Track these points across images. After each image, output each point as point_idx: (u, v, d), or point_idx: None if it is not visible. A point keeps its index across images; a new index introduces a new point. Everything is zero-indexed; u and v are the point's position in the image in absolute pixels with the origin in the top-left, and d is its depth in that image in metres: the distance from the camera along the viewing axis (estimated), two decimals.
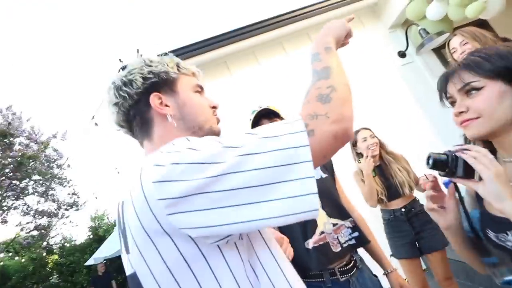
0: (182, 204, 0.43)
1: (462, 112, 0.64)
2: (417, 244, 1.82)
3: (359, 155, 1.96)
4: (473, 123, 0.63)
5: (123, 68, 0.69)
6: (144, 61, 0.64)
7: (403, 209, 1.83)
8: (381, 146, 1.95)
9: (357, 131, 1.98)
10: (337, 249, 1.07)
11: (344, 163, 2.33)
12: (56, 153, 6.77)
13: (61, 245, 7.08)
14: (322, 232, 1.08)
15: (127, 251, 0.54)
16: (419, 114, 3.27)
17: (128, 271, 0.55)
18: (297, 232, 1.08)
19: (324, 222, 1.09)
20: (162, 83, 0.63)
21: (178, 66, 0.66)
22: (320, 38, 0.61)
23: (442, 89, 0.71)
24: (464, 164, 0.58)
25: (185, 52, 2.95)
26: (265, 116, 1.28)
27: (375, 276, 1.17)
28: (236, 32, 3.08)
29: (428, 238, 1.79)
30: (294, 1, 3.25)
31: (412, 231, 1.81)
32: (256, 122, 1.28)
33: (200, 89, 0.68)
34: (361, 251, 1.22)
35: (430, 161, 0.62)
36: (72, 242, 7.54)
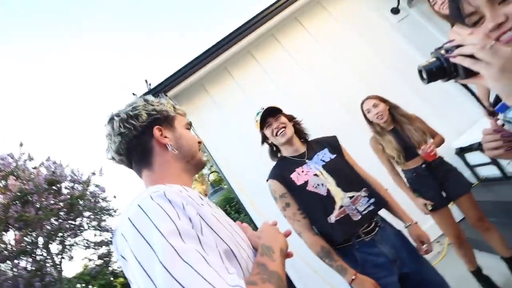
0: None
1: (500, 24, 0.49)
2: (443, 194, 1.88)
3: (371, 123, 2.01)
4: None
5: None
6: (146, 100, 0.78)
7: (423, 165, 1.89)
8: (392, 109, 1.96)
9: (362, 102, 2.02)
10: (357, 217, 1.22)
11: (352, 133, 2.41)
12: (98, 188, 7.42)
13: None
14: (341, 207, 1.23)
15: None
16: None
17: None
18: (318, 211, 1.24)
19: (341, 197, 1.25)
20: (163, 119, 0.76)
21: (174, 107, 0.81)
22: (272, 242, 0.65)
23: (455, 10, 0.54)
24: None
25: (191, 67, 3.14)
26: (270, 114, 1.42)
27: (398, 230, 1.29)
28: (232, 35, 3.19)
29: (453, 184, 1.85)
30: None
31: (436, 182, 1.87)
32: (263, 121, 1.43)
33: (189, 127, 0.83)
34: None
35: (424, 74, 0.51)
36: None
